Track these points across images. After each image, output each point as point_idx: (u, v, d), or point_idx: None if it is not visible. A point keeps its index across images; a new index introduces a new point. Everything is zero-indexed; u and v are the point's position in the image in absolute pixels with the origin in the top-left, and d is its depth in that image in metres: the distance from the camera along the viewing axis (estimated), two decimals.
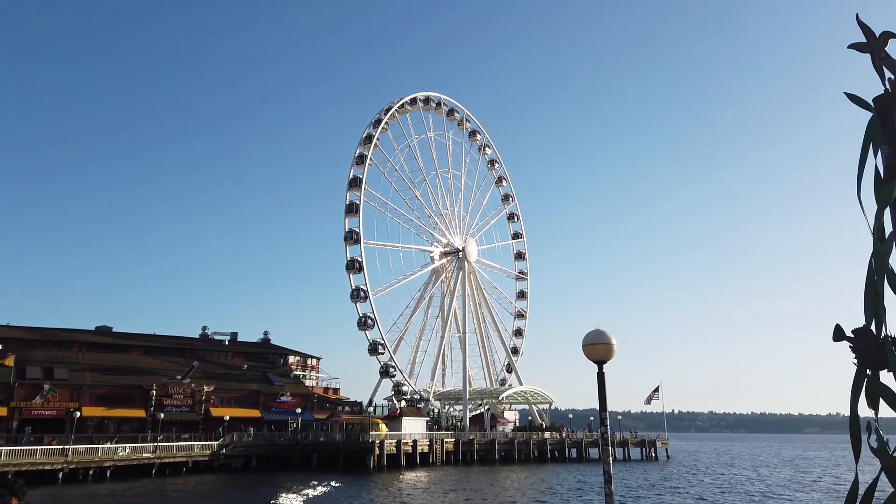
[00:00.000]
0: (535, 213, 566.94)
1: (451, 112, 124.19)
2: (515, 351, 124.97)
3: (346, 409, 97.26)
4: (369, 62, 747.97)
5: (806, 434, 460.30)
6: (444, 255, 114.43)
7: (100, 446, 60.17)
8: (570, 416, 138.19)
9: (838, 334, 3.38)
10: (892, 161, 3.42)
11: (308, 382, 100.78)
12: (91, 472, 57.62)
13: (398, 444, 75.63)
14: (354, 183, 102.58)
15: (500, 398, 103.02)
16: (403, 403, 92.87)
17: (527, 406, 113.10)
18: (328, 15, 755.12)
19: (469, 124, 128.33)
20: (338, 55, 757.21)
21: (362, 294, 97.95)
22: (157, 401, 75.60)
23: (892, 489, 3.13)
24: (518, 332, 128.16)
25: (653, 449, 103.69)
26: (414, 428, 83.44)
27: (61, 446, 57.45)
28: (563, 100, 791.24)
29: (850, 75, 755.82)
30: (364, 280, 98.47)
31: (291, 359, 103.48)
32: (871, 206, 3.38)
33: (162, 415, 72.22)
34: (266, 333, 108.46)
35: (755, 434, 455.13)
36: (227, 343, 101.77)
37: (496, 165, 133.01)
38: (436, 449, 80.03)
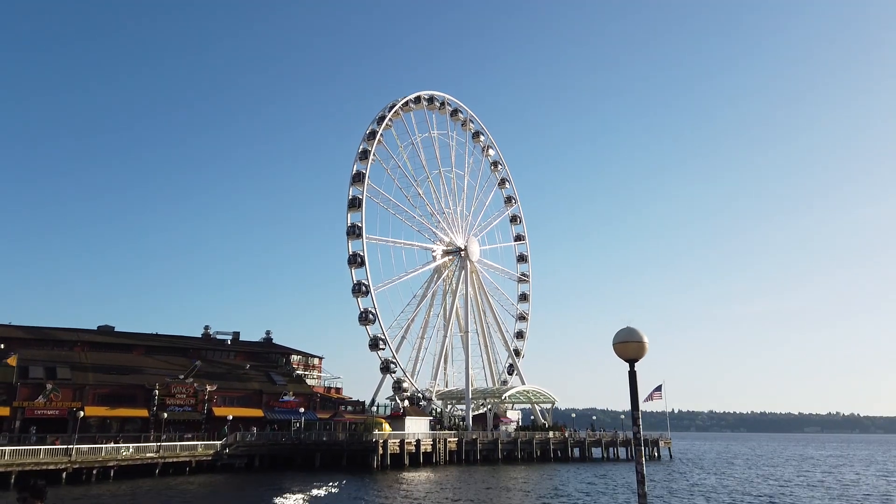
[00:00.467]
0: (538, 212, 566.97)
1: (454, 112, 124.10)
2: (517, 353, 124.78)
3: (349, 408, 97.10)
4: (370, 62, 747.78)
5: (806, 433, 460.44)
6: (446, 253, 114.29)
7: (103, 446, 59.97)
8: (573, 415, 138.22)
9: None
10: None
11: (310, 382, 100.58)
12: (95, 472, 57.43)
13: (402, 443, 75.51)
14: (357, 178, 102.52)
15: (503, 398, 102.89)
16: (407, 403, 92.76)
17: (529, 405, 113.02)
18: (328, 15, 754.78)
19: (472, 125, 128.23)
20: (339, 55, 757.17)
21: (364, 289, 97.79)
22: (160, 400, 75.40)
23: None
24: (519, 335, 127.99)
25: (655, 448, 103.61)
26: (417, 427, 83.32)
27: (65, 446, 57.27)
28: (565, 100, 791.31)
29: (851, 75, 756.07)
30: (366, 275, 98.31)
31: (294, 358, 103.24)
32: None
33: (165, 414, 72.01)
34: (268, 333, 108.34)
35: (755, 433, 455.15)
36: (229, 342, 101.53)
37: (499, 167, 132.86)
38: (439, 448, 79.94)
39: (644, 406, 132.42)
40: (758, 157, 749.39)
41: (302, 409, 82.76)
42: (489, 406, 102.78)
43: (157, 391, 75.96)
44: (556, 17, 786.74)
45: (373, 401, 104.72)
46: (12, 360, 73.84)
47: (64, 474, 55.12)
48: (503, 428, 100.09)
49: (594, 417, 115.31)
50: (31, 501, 7.54)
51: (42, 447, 56.24)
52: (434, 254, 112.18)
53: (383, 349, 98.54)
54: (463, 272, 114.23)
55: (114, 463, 59.21)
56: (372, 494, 52.87)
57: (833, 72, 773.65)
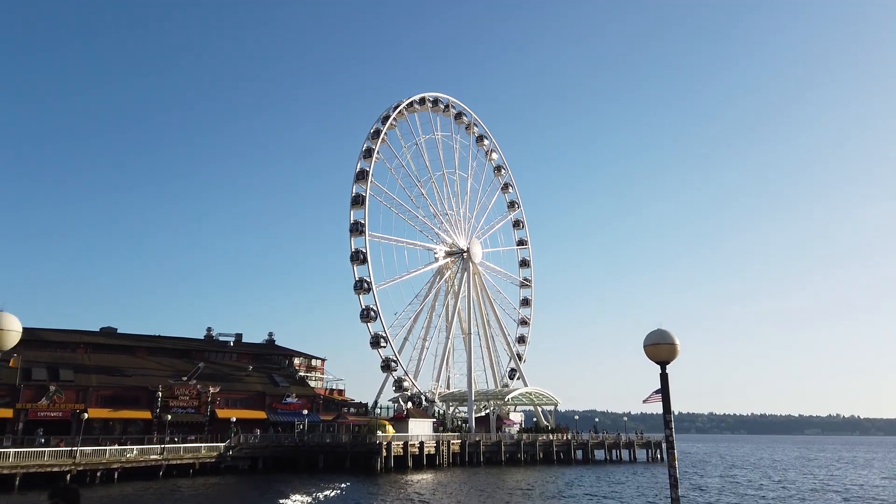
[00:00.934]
0: (539, 212, 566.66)
1: (458, 115, 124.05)
2: (518, 357, 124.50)
3: (352, 410, 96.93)
4: (372, 63, 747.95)
5: (806, 435, 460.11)
6: (449, 254, 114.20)
7: (107, 448, 59.79)
8: (576, 417, 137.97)
9: None
10: None
11: (312, 384, 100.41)
12: (99, 474, 57.29)
13: (405, 445, 75.32)
14: (361, 175, 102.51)
15: (506, 399, 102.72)
16: (410, 405, 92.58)
17: (531, 407, 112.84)
18: (329, 15, 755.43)
19: (476, 129, 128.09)
20: (341, 55, 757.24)
21: (365, 285, 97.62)
22: (163, 402, 75.27)
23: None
24: (521, 339, 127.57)
25: (658, 451, 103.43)
26: (420, 429, 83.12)
27: (69, 448, 57.12)
28: (565, 100, 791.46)
29: (851, 74, 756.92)
30: (368, 272, 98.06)
31: (296, 360, 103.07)
32: None
33: (169, 416, 71.83)
34: (271, 334, 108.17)
35: (755, 435, 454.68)
36: (231, 344, 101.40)
37: (502, 171, 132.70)
38: (442, 451, 79.72)
39: (645, 408, 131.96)
40: (758, 157, 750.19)
41: (305, 411, 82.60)
42: (492, 408, 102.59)
43: (160, 393, 75.83)
44: (557, 18, 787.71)
45: (375, 403, 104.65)
46: (15, 362, 73.68)
47: (68, 476, 54.94)
48: (506, 430, 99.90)
49: (596, 420, 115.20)
50: None
51: (46, 449, 56.12)
52: (436, 254, 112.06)
53: (384, 347, 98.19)
54: (465, 273, 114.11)
55: (118, 465, 59.07)
56: (377, 497, 52.74)
57: (832, 72, 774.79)
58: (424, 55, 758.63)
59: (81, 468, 56.18)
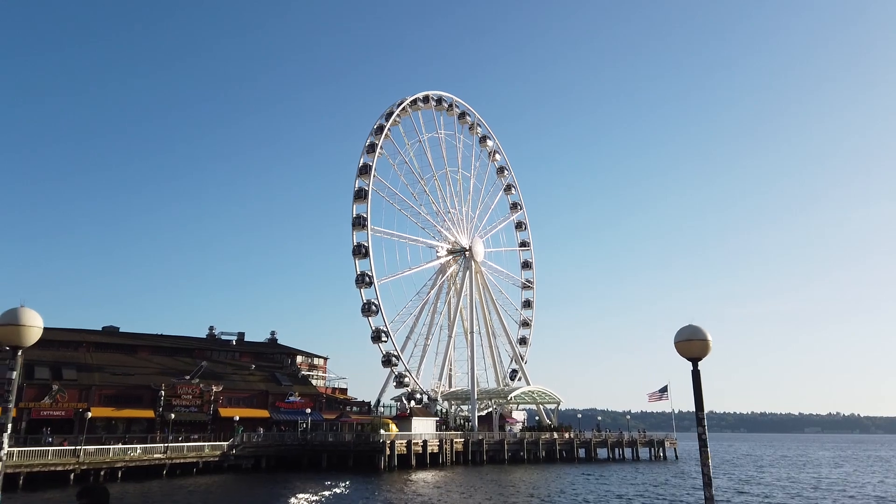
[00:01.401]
0: (541, 210, 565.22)
1: (462, 115, 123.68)
2: (520, 358, 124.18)
3: (355, 409, 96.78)
4: (375, 63, 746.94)
5: (806, 433, 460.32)
6: (451, 252, 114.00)
7: (111, 447, 59.66)
8: (579, 415, 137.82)
9: None
10: None
11: (315, 382, 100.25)
12: (102, 472, 57.15)
13: (409, 444, 75.14)
14: (364, 170, 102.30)
15: (509, 398, 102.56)
16: (413, 403, 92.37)
17: (534, 406, 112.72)
18: (330, 15, 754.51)
19: (480, 129, 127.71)
20: (342, 55, 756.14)
21: (367, 279, 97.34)
22: (166, 401, 75.11)
23: None
24: (522, 341, 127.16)
25: (661, 449, 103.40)
26: (424, 428, 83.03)
27: (73, 447, 56.95)
28: (566, 99, 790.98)
29: (851, 74, 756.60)
30: (370, 265, 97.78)
31: (298, 359, 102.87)
32: None
33: (172, 415, 71.62)
34: (273, 333, 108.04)
35: (756, 434, 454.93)
36: (234, 343, 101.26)
37: (505, 173, 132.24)
38: (445, 449, 79.59)
39: (648, 407, 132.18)
40: (758, 157, 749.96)
41: (308, 410, 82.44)
42: (494, 406, 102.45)
43: (163, 392, 75.67)
44: (558, 18, 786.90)
45: (378, 401, 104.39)
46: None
47: (72, 475, 54.85)
48: (509, 428, 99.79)
49: (599, 418, 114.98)
50: None
51: (50, 448, 55.95)
52: (438, 252, 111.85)
53: (385, 342, 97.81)
54: (467, 272, 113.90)
55: (122, 464, 58.96)
56: (384, 495, 52.59)
57: (834, 71, 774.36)
58: (425, 55, 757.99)
59: (85, 467, 56.02)
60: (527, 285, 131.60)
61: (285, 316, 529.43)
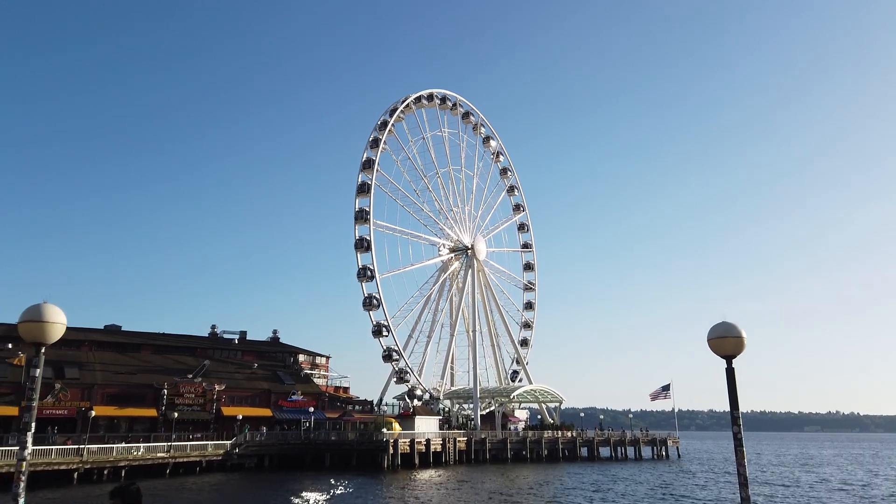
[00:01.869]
0: (543, 210, 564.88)
1: (466, 115, 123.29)
2: (521, 360, 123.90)
3: (357, 408, 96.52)
4: (376, 62, 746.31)
5: (806, 432, 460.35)
6: (453, 250, 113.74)
7: (114, 446, 59.50)
8: (582, 414, 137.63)
9: None
10: None
11: (317, 381, 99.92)
12: (106, 472, 57.00)
13: (412, 443, 74.95)
14: (367, 164, 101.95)
15: (511, 397, 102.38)
16: (416, 402, 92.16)
17: (536, 405, 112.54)
18: (331, 14, 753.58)
19: (483, 130, 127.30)
20: (344, 54, 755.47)
21: (369, 273, 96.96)
22: (169, 400, 74.89)
23: None
24: (524, 343, 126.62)
25: (664, 448, 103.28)
26: (427, 427, 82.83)
27: (76, 446, 56.76)
28: (569, 100, 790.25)
29: (851, 73, 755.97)
30: (371, 259, 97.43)
31: (301, 358, 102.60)
32: None
33: (175, 413, 71.40)
34: (275, 332, 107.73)
35: (755, 432, 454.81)
36: (236, 342, 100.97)
37: (509, 174, 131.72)
38: (448, 448, 79.42)
39: (648, 405, 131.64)
40: (758, 157, 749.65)
41: (311, 409, 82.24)
42: (497, 405, 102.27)
43: (165, 391, 75.45)
44: (558, 18, 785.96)
45: (380, 400, 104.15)
46: (20, 360, 73.28)
47: (75, 474, 54.66)
48: (511, 427, 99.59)
49: (601, 417, 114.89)
50: None
51: (53, 447, 55.75)
52: (440, 249, 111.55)
53: (386, 336, 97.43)
54: (469, 270, 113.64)
55: (125, 463, 58.78)
56: (388, 495, 52.38)
57: (834, 70, 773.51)
58: (426, 55, 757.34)
59: (89, 466, 55.88)
60: (529, 287, 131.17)
61: (287, 315, 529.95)
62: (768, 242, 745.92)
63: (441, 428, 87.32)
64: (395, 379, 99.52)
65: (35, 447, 54.73)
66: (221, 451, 67.81)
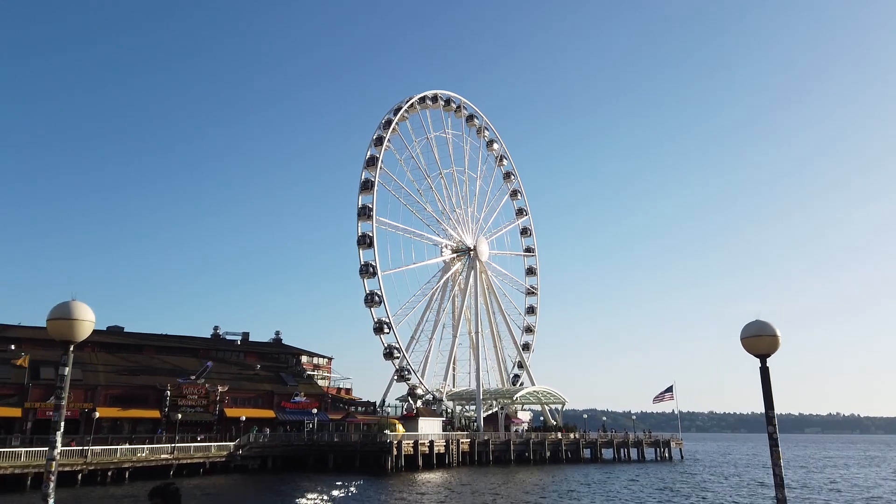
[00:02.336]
0: (543, 210, 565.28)
1: (470, 118, 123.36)
2: (521, 365, 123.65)
3: (360, 409, 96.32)
4: (378, 62, 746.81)
5: (806, 434, 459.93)
6: (455, 251, 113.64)
7: (118, 447, 59.26)
8: (585, 416, 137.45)
9: None
10: None
11: (320, 382, 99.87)
12: (109, 473, 56.76)
13: (415, 444, 74.75)
14: (371, 162, 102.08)
15: (514, 398, 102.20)
16: (420, 404, 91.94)
17: (538, 406, 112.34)
18: (332, 14, 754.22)
19: (487, 133, 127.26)
20: (345, 54, 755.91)
21: (371, 269, 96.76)
22: (172, 401, 74.73)
23: None
24: (526, 347, 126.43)
25: (667, 449, 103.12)
26: (430, 428, 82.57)
27: (80, 447, 56.60)
28: (569, 100, 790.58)
29: (851, 73, 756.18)
30: (374, 256, 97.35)
31: (303, 359, 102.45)
32: None
33: (179, 415, 71.21)
34: (278, 333, 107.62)
35: (756, 434, 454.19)
36: (238, 343, 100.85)
37: (512, 178, 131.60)
38: (452, 450, 79.22)
39: (647, 407, 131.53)
40: (758, 157, 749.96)
41: (314, 410, 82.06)
42: (500, 407, 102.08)
43: (168, 392, 75.29)
44: (558, 18, 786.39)
45: (383, 401, 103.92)
46: (23, 361, 73.15)
47: (79, 476, 54.44)
48: (514, 429, 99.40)
49: (604, 419, 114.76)
50: None
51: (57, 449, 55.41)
52: (442, 249, 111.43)
53: (387, 333, 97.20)
54: (472, 271, 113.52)
55: (129, 464, 58.56)
56: (396, 496, 52.17)
57: (833, 70, 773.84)
58: (426, 55, 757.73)
59: (93, 468, 55.67)
60: (531, 291, 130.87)
61: (289, 316, 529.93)
62: (768, 242, 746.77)
63: (444, 429, 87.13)
64: (395, 377, 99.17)
65: (39, 449, 54.62)
66: (225, 453, 67.59)
